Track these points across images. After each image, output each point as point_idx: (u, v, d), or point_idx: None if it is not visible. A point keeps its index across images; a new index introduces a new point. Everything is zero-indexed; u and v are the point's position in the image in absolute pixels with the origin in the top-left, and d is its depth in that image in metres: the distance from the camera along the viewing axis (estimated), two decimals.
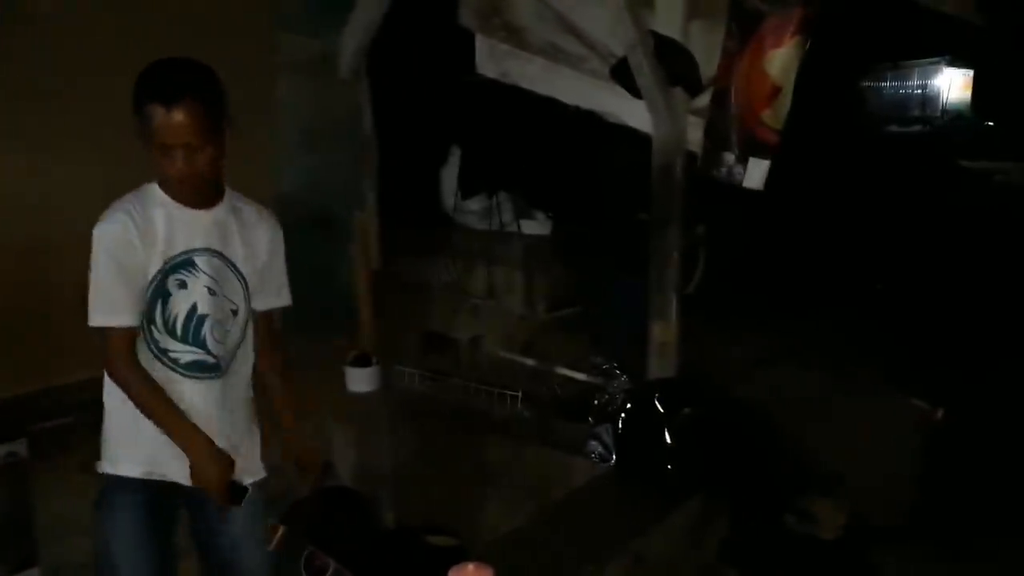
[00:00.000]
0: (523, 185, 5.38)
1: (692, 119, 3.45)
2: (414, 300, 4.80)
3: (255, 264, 2.03)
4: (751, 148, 3.24)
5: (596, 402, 3.51)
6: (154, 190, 1.92)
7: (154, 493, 1.98)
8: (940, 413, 3.77)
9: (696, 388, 3.33)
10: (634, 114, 3.53)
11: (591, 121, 3.98)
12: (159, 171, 1.87)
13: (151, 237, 1.88)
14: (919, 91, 6.83)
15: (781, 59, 3.13)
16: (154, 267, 1.89)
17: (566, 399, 3.91)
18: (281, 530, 3.31)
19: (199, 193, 1.93)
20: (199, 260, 1.93)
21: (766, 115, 3.19)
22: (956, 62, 6.52)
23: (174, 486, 1.98)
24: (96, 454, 2.85)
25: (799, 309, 4.38)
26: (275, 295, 2.12)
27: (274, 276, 2.11)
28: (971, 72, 6.44)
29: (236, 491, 1.99)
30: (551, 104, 4.01)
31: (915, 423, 3.75)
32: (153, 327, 1.92)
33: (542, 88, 3.89)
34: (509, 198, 5.42)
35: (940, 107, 6.71)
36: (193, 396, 1.95)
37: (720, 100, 3.28)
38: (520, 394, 3.98)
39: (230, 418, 2.03)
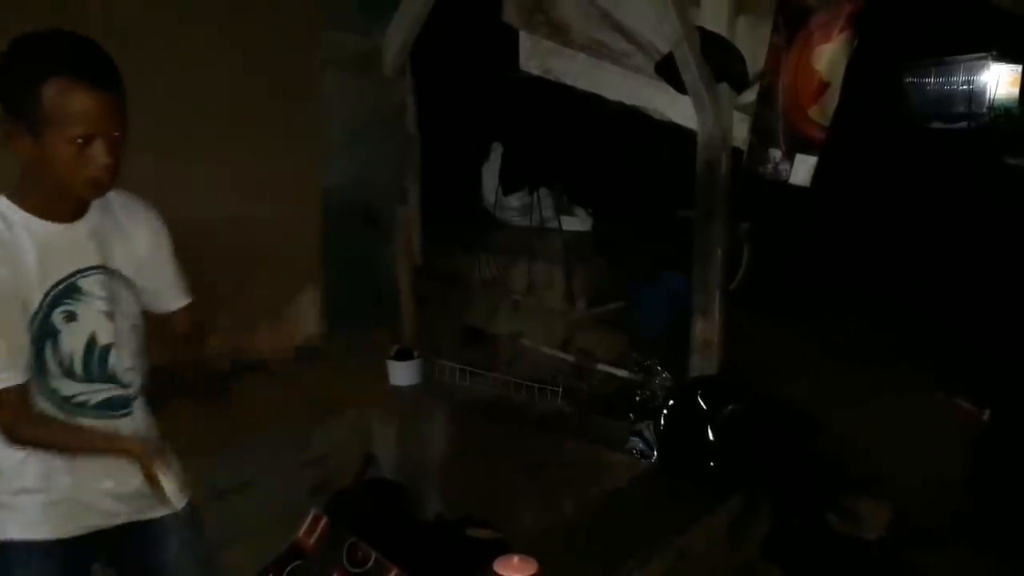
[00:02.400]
0: (564, 181, 5.39)
1: (737, 115, 3.44)
2: (455, 295, 4.84)
3: (136, 265, 1.74)
4: (798, 144, 3.22)
5: (637, 398, 3.51)
6: (9, 209, 1.55)
7: (69, 552, 1.72)
8: (986, 414, 3.72)
9: (739, 386, 3.32)
10: (679, 110, 3.53)
11: (633, 117, 3.98)
12: (54, 174, 1.51)
13: (20, 268, 1.53)
14: (966, 87, 6.74)
15: (829, 55, 3.10)
16: (32, 304, 1.56)
17: (607, 395, 3.92)
18: (323, 521, 3.38)
19: (80, 202, 1.60)
20: (85, 283, 1.62)
21: (813, 111, 3.16)
22: (1004, 57, 6.42)
23: (92, 536, 1.76)
24: None
25: (844, 306, 4.35)
26: (177, 292, 1.86)
27: (166, 273, 1.83)
28: (1020, 67, 6.33)
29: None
30: (592, 100, 4.01)
31: (960, 423, 3.70)
32: (46, 374, 1.61)
33: (585, 84, 3.88)
34: (550, 194, 5.44)
35: (987, 103, 6.61)
36: (113, 434, 1.70)
37: (767, 96, 3.26)
38: (560, 389, 3.99)
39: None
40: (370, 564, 3.20)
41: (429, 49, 4.37)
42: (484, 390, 4.19)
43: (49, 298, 1.58)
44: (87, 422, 1.67)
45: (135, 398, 1.76)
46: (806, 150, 3.21)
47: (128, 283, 1.72)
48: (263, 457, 3.43)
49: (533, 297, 4.83)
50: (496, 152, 5.62)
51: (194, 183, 3.45)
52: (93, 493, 1.72)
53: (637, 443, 3.34)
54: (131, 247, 1.73)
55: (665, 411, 3.23)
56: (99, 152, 1.50)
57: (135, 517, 1.80)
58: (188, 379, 3.48)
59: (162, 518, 1.83)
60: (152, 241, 1.78)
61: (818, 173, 3.21)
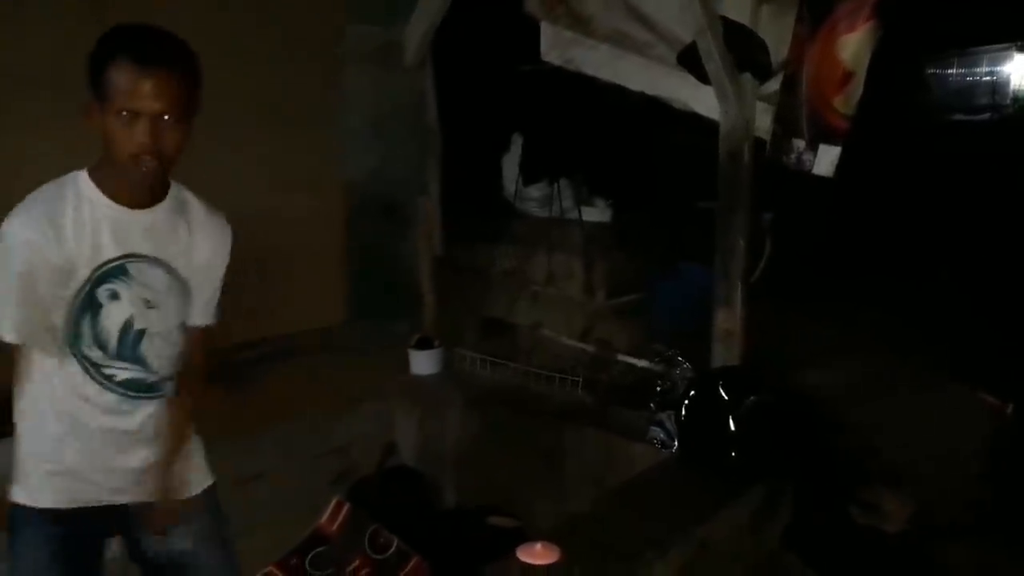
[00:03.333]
0: (584, 172, 5.39)
1: (760, 105, 3.42)
2: (475, 286, 4.86)
3: (190, 270, 1.78)
4: (821, 134, 3.19)
5: (658, 389, 3.51)
6: (81, 182, 1.65)
7: (77, 524, 1.76)
8: (1010, 408, 3.69)
9: (761, 377, 3.31)
10: (701, 100, 3.51)
11: (653, 107, 3.97)
12: (109, 148, 1.58)
13: (75, 242, 1.61)
14: (990, 77, 6.67)
15: (854, 44, 3.07)
16: (80, 276, 1.63)
17: (627, 385, 3.93)
18: (346, 507, 3.41)
19: (143, 187, 1.66)
20: (133, 268, 1.68)
21: (837, 101, 3.13)
22: None
23: (102, 511, 1.78)
24: None
25: (866, 297, 4.33)
26: (207, 311, 1.86)
27: (210, 289, 1.85)
28: None
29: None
30: (613, 91, 4.00)
31: (984, 417, 3.68)
32: (81, 342, 1.67)
33: (607, 75, 3.87)
34: (570, 185, 5.43)
35: (1011, 94, 6.54)
36: (134, 414, 1.75)
37: (790, 86, 3.24)
38: (580, 380, 4.00)
39: (173, 434, 1.82)
40: (391, 551, 3.24)
41: (449, 41, 4.37)
42: (504, 380, 4.21)
43: (98, 274, 1.65)
44: (112, 397, 1.72)
45: (162, 387, 1.79)
46: (830, 140, 3.18)
47: (180, 281, 1.77)
48: (285, 445, 3.47)
49: (553, 287, 4.84)
50: (516, 143, 5.62)
51: (218, 176, 3.45)
52: (100, 469, 1.76)
53: (658, 433, 3.34)
54: (192, 252, 1.78)
55: (686, 401, 3.22)
56: (140, 130, 1.56)
57: (146, 497, 1.81)
58: (212, 367, 3.53)
59: (186, 501, 1.87)
60: (211, 254, 1.82)
61: (841, 163, 3.19)
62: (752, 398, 3.11)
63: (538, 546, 2.01)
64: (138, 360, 1.73)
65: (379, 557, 3.24)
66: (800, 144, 3.24)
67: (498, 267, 4.93)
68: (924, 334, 4.16)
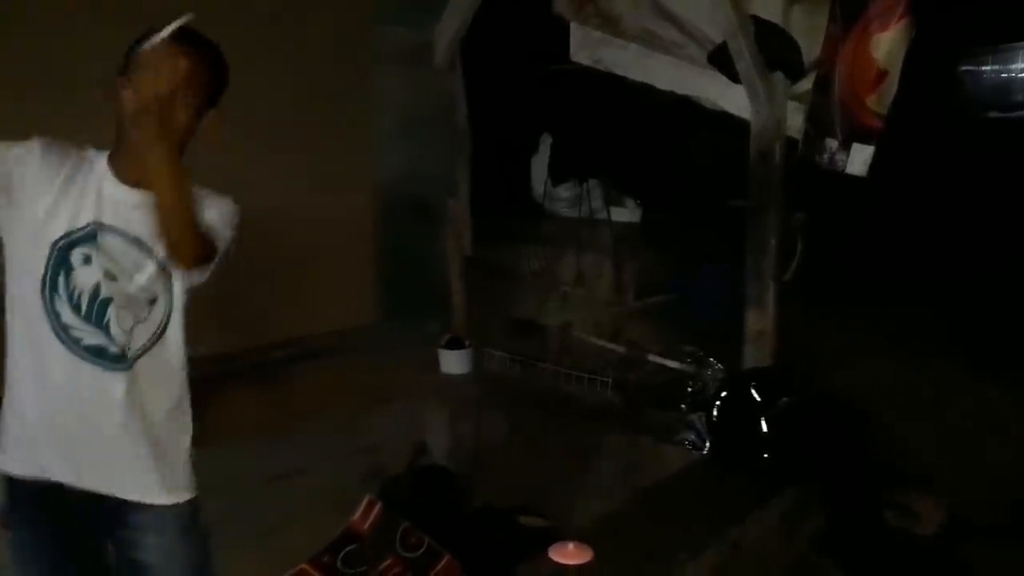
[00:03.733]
0: (613, 172, 5.38)
1: (792, 104, 3.40)
2: (504, 286, 4.87)
3: None
4: (855, 134, 3.17)
5: (689, 390, 3.50)
6: (99, 159, 1.73)
7: (56, 509, 1.72)
8: None
9: (794, 378, 3.29)
10: (732, 100, 3.49)
11: (681, 107, 3.95)
12: (124, 122, 1.63)
13: (68, 191, 1.68)
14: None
15: (888, 43, 3.05)
16: (57, 230, 1.67)
17: (657, 386, 3.91)
18: (378, 506, 3.42)
19: (143, 171, 1.62)
20: (104, 239, 1.70)
21: (871, 100, 3.11)
22: None
23: (78, 497, 1.72)
24: (204, 428, 2.95)
25: (899, 298, 4.28)
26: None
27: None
28: None
29: None
30: (641, 91, 3.99)
31: (1020, 418, 3.63)
32: (56, 298, 1.69)
33: (636, 75, 3.87)
34: (599, 185, 5.43)
35: None
36: (96, 385, 1.70)
37: (823, 85, 3.22)
38: (610, 380, 4.00)
39: (139, 423, 1.74)
40: (423, 549, 3.25)
41: (479, 42, 4.39)
42: (534, 380, 4.22)
43: (73, 236, 1.68)
44: (77, 360, 1.69)
45: (127, 360, 1.73)
46: (863, 139, 3.16)
47: (155, 262, 1.73)
48: (317, 443, 3.50)
49: (582, 288, 4.84)
50: (545, 144, 5.62)
51: (252, 177, 3.52)
52: (63, 440, 1.72)
53: (689, 434, 3.33)
54: None
55: (718, 402, 3.21)
56: (150, 89, 1.57)
57: (109, 489, 1.75)
58: (246, 366, 3.58)
59: (151, 509, 1.77)
60: (214, 220, 1.77)
61: (875, 163, 3.16)
62: (784, 399, 3.10)
63: (570, 546, 2.02)
64: (103, 327, 1.70)
65: (411, 556, 3.25)
66: (833, 144, 3.22)
67: (527, 267, 4.94)
68: (958, 334, 4.11)
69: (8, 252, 1.70)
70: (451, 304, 4.51)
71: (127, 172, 1.70)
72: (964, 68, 6.42)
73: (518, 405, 4.01)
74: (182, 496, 1.80)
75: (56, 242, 1.68)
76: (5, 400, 1.73)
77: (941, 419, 3.54)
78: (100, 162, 1.72)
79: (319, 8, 3.86)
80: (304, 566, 3.17)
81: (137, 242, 1.71)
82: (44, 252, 1.67)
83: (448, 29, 4.23)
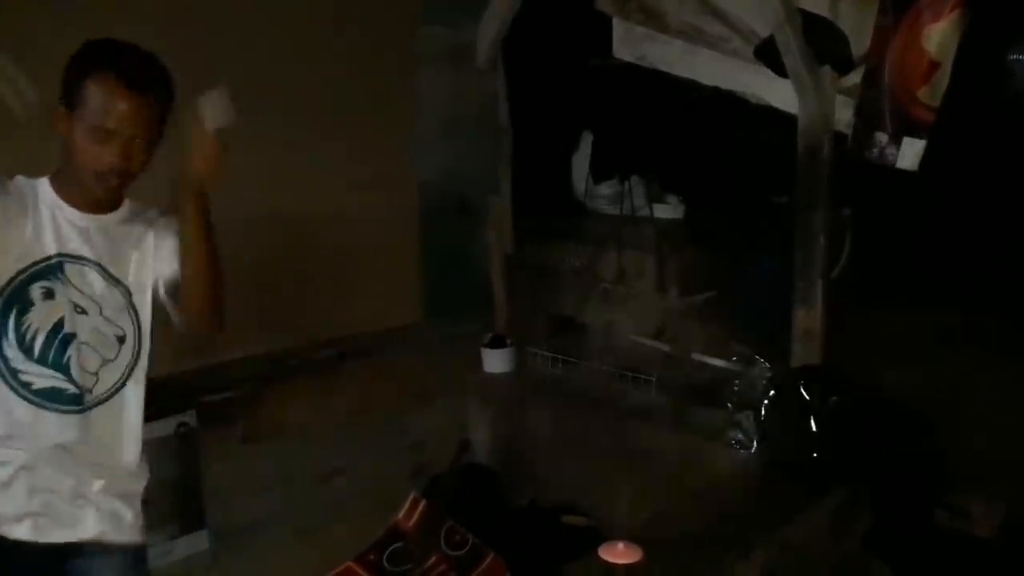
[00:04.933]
0: (655, 169, 5.33)
1: (840, 98, 3.34)
2: (546, 284, 4.85)
3: (152, 281, 1.69)
4: (906, 127, 3.11)
5: (735, 388, 3.47)
6: (42, 183, 1.62)
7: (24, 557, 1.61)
8: None
9: (843, 376, 3.24)
10: (778, 94, 3.45)
11: (724, 102, 3.91)
12: (74, 158, 1.56)
13: (20, 229, 1.56)
14: None
15: (940, 34, 2.98)
16: (13, 266, 1.55)
17: (702, 385, 3.88)
18: (423, 503, 3.44)
19: (102, 197, 1.62)
20: (70, 269, 1.60)
21: (923, 92, 3.05)
22: None
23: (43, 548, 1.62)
24: (251, 427, 3.00)
25: (950, 295, 4.19)
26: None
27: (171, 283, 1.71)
28: None
29: None
30: (683, 86, 3.95)
31: None
32: (3, 340, 1.56)
33: (680, 70, 3.83)
34: (641, 182, 5.38)
35: None
36: (44, 429, 1.59)
37: (872, 78, 3.16)
38: (654, 378, 3.97)
39: (88, 467, 1.65)
40: (467, 548, 3.26)
41: (520, 41, 4.39)
42: (576, 378, 4.21)
43: (34, 269, 1.57)
44: (23, 403, 1.58)
45: (83, 402, 1.63)
46: (914, 133, 3.10)
47: (126, 292, 1.67)
48: (362, 441, 3.53)
49: (624, 286, 4.80)
50: (586, 141, 5.60)
51: (297, 178, 3.58)
52: (23, 490, 1.61)
53: (736, 433, 3.30)
54: (149, 263, 1.70)
55: (766, 401, 3.17)
56: (111, 149, 1.54)
57: (63, 536, 1.65)
58: (292, 365, 3.62)
59: (103, 554, 1.69)
60: (162, 264, 1.71)
61: (926, 157, 3.10)
62: (834, 398, 3.05)
63: (620, 545, 2.00)
64: (60, 367, 1.60)
65: (455, 554, 3.26)
66: (883, 137, 3.16)
67: (569, 265, 4.92)
68: (1011, 332, 4.01)
69: None
70: (493, 303, 4.52)
71: (78, 196, 1.61)
72: (1019, 58, 6.27)
73: (561, 403, 4.01)
74: (138, 536, 1.75)
75: (12, 279, 1.55)
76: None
77: (997, 418, 3.45)
78: (44, 189, 1.61)
79: (363, 10, 3.89)
80: (350, 563, 3.20)
81: (105, 272, 1.64)
82: None
83: (490, 29, 4.24)
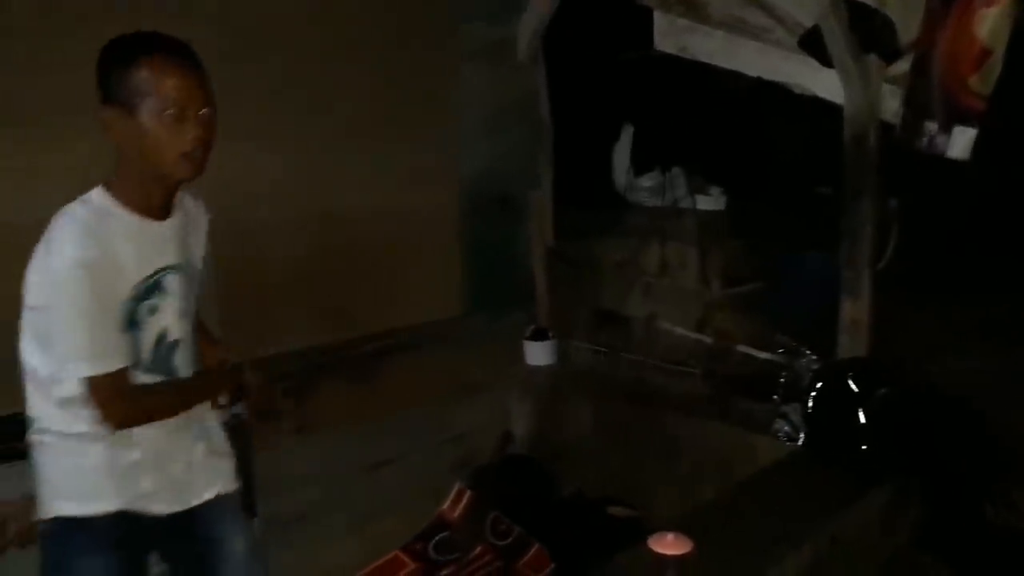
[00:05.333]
0: (697, 160, 5.30)
1: (886, 87, 3.30)
2: (588, 277, 4.85)
3: (199, 263, 1.83)
4: (956, 116, 3.06)
5: (781, 380, 3.44)
6: (104, 199, 1.61)
7: (126, 533, 1.73)
8: None
9: (891, 368, 3.20)
10: (823, 84, 3.41)
11: (767, 92, 3.87)
12: (153, 156, 1.55)
13: (117, 257, 1.58)
14: None
15: (993, 19, 2.93)
16: (123, 294, 1.61)
17: (747, 377, 3.86)
18: (468, 494, 3.48)
19: (169, 197, 1.67)
20: (167, 281, 1.69)
21: (973, 80, 2.99)
22: None
23: (149, 525, 1.78)
24: (301, 419, 3.05)
25: (1002, 285, 4.11)
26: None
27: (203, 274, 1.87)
28: None
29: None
30: (724, 76, 3.93)
31: None
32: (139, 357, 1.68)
33: (723, 61, 3.80)
34: (682, 174, 5.35)
35: None
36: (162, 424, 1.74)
37: (921, 66, 3.11)
38: (698, 371, 3.96)
39: (191, 437, 1.83)
40: (512, 538, 3.29)
41: (560, 34, 4.39)
42: (619, 371, 4.21)
43: (140, 291, 1.63)
44: None
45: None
46: (965, 121, 3.04)
47: (195, 283, 1.80)
48: (408, 433, 3.57)
49: (667, 278, 4.78)
50: (627, 134, 5.57)
51: (341, 175, 3.62)
52: (157, 479, 1.77)
53: (783, 426, 3.28)
54: (198, 246, 1.82)
55: (813, 393, 3.15)
56: (191, 126, 1.55)
57: (191, 501, 1.86)
58: (338, 359, 3.66)
59: (225, 500, 1.92)
60: (205, 240, 1.87)
61: (978, 145, 3.05)
62: (883, 390, 3.02)
63: (670, 536, 2.01)
64: (170, 371, 1.74)
65: (501, 543, 3.30)
66: (932, 126, 3.11)
67: (610, 258, 4.91)
68: None
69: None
70: (535, 296, 4.53)
71: (145, 202, 1.63)
72: None
73: (604, 396, 4.01)
74: (236, 483, 1.99)
75: (127, 312, 1.62)
76: (77, 458, 1.70)
77: None
78: (110, 205, 1.60)
79: (405, 7, 3.92)
80: (397, 552, 3.25)
81: (184, 271, 1.74)
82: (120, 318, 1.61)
83: (530, 24, 4.25)
